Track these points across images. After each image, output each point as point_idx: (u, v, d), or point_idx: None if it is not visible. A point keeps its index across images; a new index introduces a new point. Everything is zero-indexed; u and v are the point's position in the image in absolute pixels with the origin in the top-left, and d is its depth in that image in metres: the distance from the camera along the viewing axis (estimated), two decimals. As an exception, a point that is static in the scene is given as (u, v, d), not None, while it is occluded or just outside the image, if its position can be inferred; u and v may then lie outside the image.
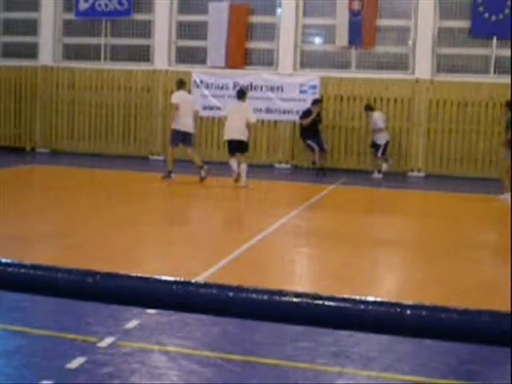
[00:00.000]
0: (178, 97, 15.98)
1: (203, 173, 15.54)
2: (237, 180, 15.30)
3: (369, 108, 19.14)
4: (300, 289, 6.76)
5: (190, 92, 18.37)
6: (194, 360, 4.88)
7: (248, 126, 15.38)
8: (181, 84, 16.33)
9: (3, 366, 4.71)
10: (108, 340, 5.11)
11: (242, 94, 16.01)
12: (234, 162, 15.47)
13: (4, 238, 8.75)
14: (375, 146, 18.96)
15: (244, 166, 15.32)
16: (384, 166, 18.75)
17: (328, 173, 18.49)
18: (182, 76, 20.14)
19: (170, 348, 5.10)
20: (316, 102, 18.94)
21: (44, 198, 13.08)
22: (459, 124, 19.59)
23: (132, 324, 5.48)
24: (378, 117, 18.92)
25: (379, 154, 18.81)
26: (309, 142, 18.66)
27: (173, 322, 5.61)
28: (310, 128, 18.63)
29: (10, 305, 5.89)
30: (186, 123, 15.77)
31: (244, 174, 15.25)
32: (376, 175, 18.79)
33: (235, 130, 15.34)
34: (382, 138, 18.82)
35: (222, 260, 7.99)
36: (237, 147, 15.48)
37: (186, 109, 15.77)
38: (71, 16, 22.17)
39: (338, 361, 5.02)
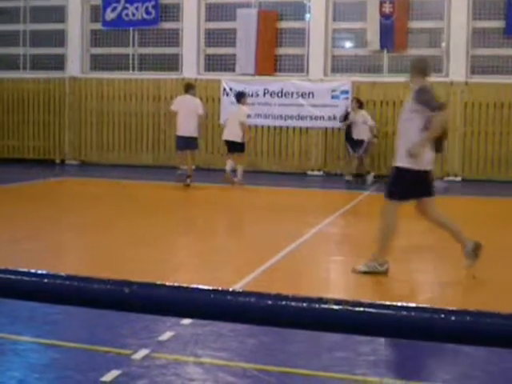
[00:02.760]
0: (175, 104, 16.47)
1: (188, 181, 16.13)
2: (227, 180, 16.37)
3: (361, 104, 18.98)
4: (339, 296, 6.73)
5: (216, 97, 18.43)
6: (229, 371, 4.88)
7: (240, 125, 16.50)
8: (187, 88, 16.64)
9: (36, 379, 4.75)
10: (142, 352, 5.12)
11: (239, 97, 17.20)
12: (228, 163, 16.74)
13: (36, 250, 8.84)
14: (357, 142, 18.67)
15: (240, 168, 16.57)
16: (369, 178, 18.58)
17: (360, 180, 18.46)
18: (212, 84, 20.24)
19: (206, 359, 5.10)
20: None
21: (77, 209, 13.17)
22: (496, 126, 19.42)
23: (166, 336, 5.49)
24: (366, 113, 18.81)
25: (361, 151, 18.64)
26: (347, 144, 18.82)
27: (207, 333, 5.61)
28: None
29: (43, 318, 5.93)
30: (186, 128, 16.14)
31: (239, 173, 16.52)
32: (348, 177, 18.74)
33: (229, 132, 16.63)
34: (365, 134, 18.69)
35: (258, 268, 7.98)
36: (231, 147, 16.69)
37: (187, 113, 16.07)
38: (98, 26, 22.38)
39: (377, 370, 4.99)
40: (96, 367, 4.86)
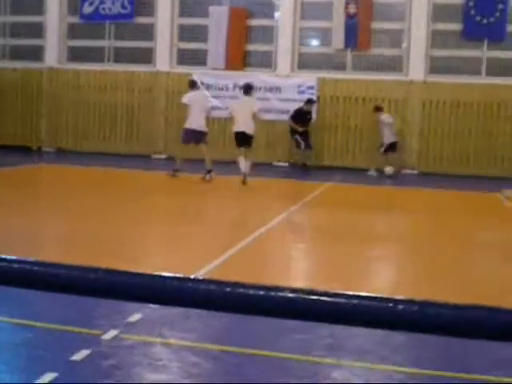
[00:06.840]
0: (187, 97, 15.94)
1: (208, 177, 15.44)
2: (244, 182, 15.02)
3: (379, 109, 19.18)
4: (295, 284, 6.76)
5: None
6: (194, 352, 4.88)
7: (254, 117, 15.24)
8: (192, 84, 16.31)
9: (9, 358, 4.71)
10: (112, 333, 5.10)
11: (247, 89, 15.80)
12: (241, 160, 15.24)
13: (13, 237, 8.74)
14: (382, 144, 19.02)
15: (249, 162, 15.20)
16: (387, 169, 18.73)
17: (323, 171, 18.51)
18: (184, 77, 20.14)
19: (172, 341, 5.09)
20: (309, 101, 19.24)
21: (54, 195, 13.06)
22: (451, 124, 19.60)
23: (135, 317, 5.47)
24: (385, 117, 18.99)
25: (381, 150, 18.90)
26: (296, 137, 19.29)
27: (174, 316, 5.60)
28: (301, 125, 19.08)
29: (16, 298, 5.87)
30: (194, 121, 15.61)
31: (247, 166, 15.11)
32: (371, 172, 18.96)
33: (243, 124, 15.18)
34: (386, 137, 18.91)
35: (221, 256, 7.98)
36: (243, 140, 15.33)
37: (196, 108, 15.64)
38: (76, 19, 22.15)
39: (334, 353, 5.02)
40: (67, 347, 4.83)
